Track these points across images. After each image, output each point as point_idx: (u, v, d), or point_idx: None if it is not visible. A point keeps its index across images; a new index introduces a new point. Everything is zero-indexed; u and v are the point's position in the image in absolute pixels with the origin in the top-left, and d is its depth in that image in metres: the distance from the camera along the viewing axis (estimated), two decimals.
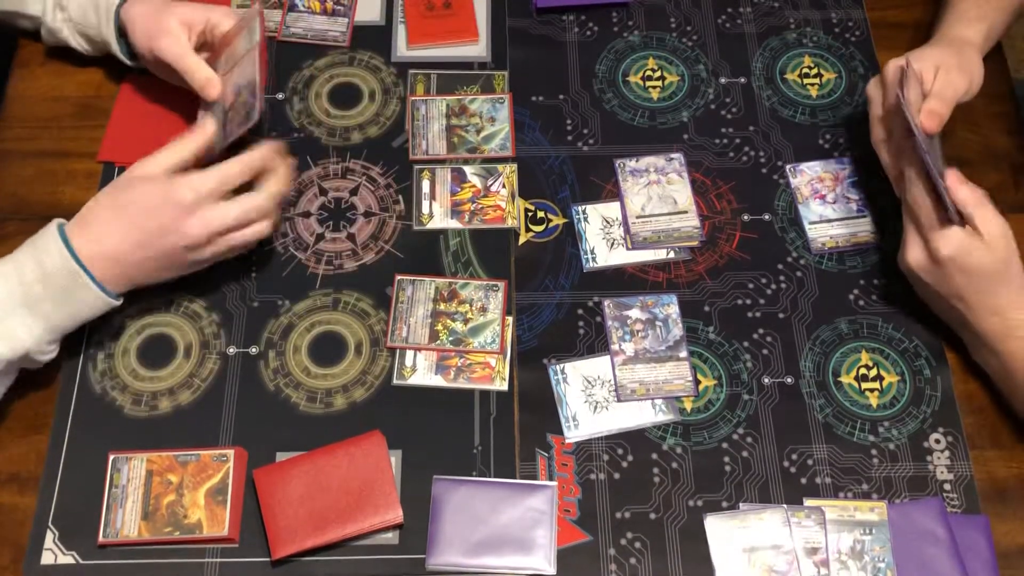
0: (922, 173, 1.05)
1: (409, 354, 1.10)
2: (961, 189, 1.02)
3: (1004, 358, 1.04)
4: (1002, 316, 1.03)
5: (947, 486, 1.04)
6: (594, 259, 1.16)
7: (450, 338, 1.11)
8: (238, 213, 1.04)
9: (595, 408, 1.07)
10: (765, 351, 1.11)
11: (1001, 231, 1.02)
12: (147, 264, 1.03)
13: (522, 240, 1.17)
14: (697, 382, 1.09)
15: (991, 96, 1.27)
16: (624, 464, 1.05)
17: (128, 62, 1.21)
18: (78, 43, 1.22)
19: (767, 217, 1.20)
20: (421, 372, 1.09)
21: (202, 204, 1.02)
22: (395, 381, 1.09)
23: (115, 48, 1.19)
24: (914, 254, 1.06)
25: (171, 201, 1.01)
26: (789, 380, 1.10)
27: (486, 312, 1.12)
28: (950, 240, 1.02)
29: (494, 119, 1.25)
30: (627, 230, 1.18)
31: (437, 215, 1.17)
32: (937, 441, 1.07)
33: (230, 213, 1.03)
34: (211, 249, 1.04)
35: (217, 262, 1.08)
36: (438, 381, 1.09)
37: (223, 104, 1.10)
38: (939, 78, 1.11)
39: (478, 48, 1.31)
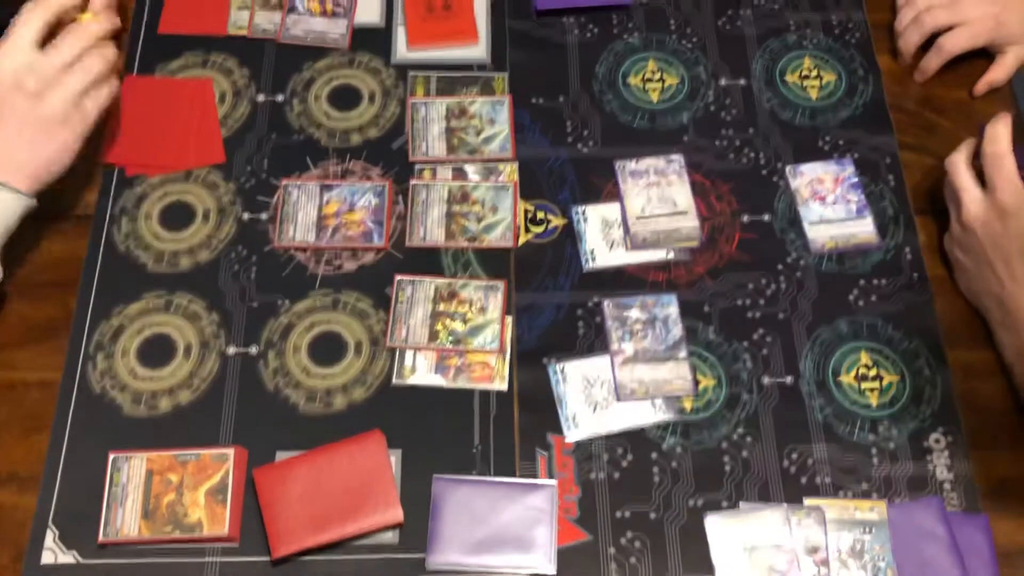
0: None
1: (409, 354, 1.10)
2: None
3: None
4: None
5: (947, 485, 1.04)
6: (594, 260, 1.16)
7: (450, 338, 1.11)
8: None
9: (595, 408, 1.07)
10: (765, 351, 1.11)
11: None
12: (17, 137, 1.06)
13: (522, 241, 1.17)
14: (697, 382, 1.09)
15: (991, 97, 1.28)
16: (624, 464, 1.05)
17: None
18: None
19: (767, 218, 1.20)
20: (421, 372, 1.09)
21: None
22: (395, 381, 1.09)
23: None
24: (974, 207, 1.08)
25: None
26: (789, 380, 1.10)
27: (486, 312, 1.12)
28: (1016, 190, 1.05)
29: (494, 121, 1.25)
30: (627, 231, 1.18)
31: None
32: (937, 441, 1.07)
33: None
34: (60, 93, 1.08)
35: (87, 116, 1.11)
36: (438, 381, 1.09)
37: None
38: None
39: (478, 50, 1.31)
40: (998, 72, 1.27)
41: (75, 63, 1.10)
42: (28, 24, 1.09)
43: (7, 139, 1.06)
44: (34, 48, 1.08)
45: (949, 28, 1.26)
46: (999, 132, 1.07)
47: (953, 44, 1.26)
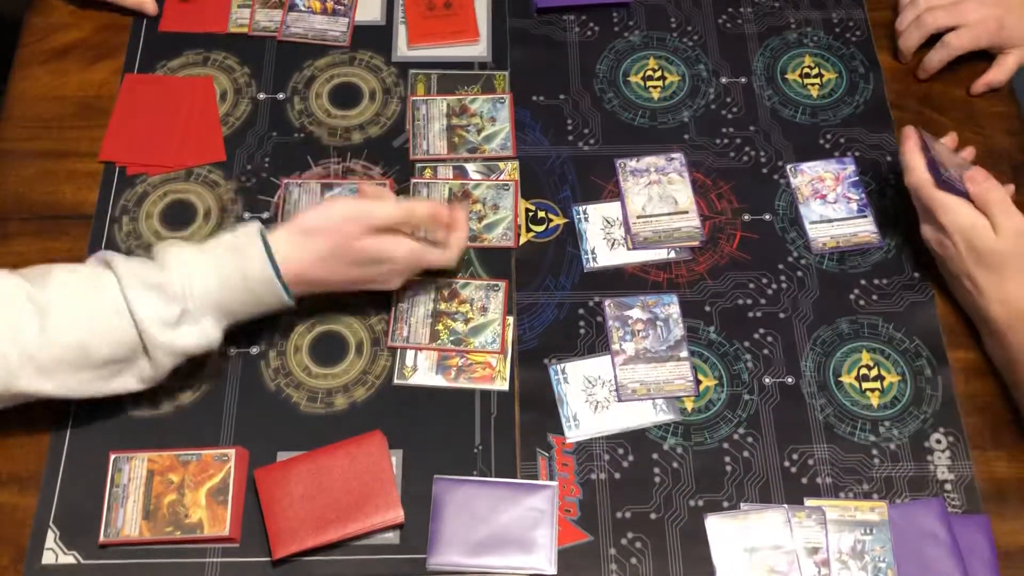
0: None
1: (410, 354, 1.10)
2: (983, 183, 1.06)
3: (1008, 349, 1.05)
4: (1008, 306, 1.04)
5: (948, 486, 1.04)
6: (595, 259, 1.16)
7: (451, 338, 1.11)
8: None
9: (596, 408, 1.07)
10: (766, 351, 1.11)
11: (1018, 228, 1.04)
12: (331, 285, 1.07)
13: (523, 240, 1.17)
14: (698, 382, 1.09)
15: (991, 96, 1.28)
16: (625, 464, 1.05)
17: None
18: None
19: (768, 217, 1.20)
20: (422, 372, 1.09)
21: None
22: (396, 381, 1.09)
23: None
24: (927, 232, 1.10)
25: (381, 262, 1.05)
26: (790, 380, 1.10)
27: (487, 312, 1.12)
28: (955, 213, 1.05)
29: (495, 119, 1.25)
30: (628, 230, 1.18)
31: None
32: (938, 441, 1.07)
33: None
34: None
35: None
36: (439, 381, 1.09)
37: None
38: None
39: (479, 48, 1.31)
40: (998, 73, 1.27)
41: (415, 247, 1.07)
42: (439, 207, 1.08)
43: (316, 253, 1.02)
44: (396, 215, 1.04)
45: (950, 29, 1.26)
46: (909, 161, 1.09)
47: (959, 42, 1.26)
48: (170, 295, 0.97)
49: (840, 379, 1.10)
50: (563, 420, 1.07)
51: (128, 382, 1.00)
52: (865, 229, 1.18)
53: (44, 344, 0.94)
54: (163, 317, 0.97)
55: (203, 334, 1.00)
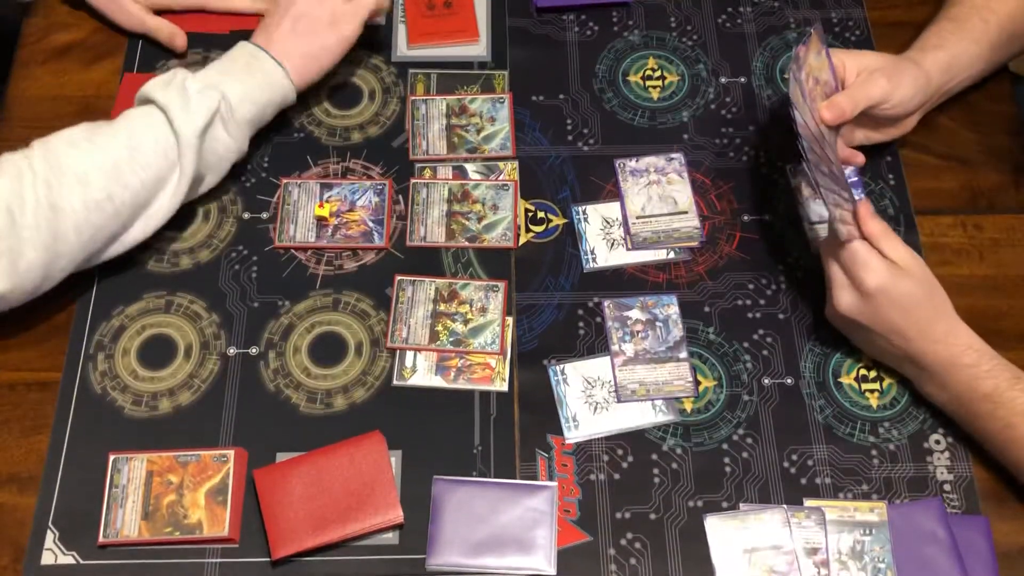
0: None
1: (409, 355, 1.10)
2: (871, 222, 1.01)
3: (953, 389, 1.03)
4: (947, 344, 1.02)
5: (947, 487, 1.05)
6: (594, 259, 1.16)
7: (450, 339, 1.11)
8: None
9: (595, 409, 1.07)
10: (765, 352, 1.11)
11: (912, 255, 1.01)
12: (318, 43, 1.19)
13: (522, 240, 1.17)
14: (697, 383, 1.09)
15: (991, 96, 1.28)
16: (624, 464, 1.05)
17: None
18: None
19: (767, 217, 1.20)
20: (421, 373, 1.09)
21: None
22: (395, 382, 1.09)
23: None
24: (844, 298, 1.04)
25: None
26: (789, 381, 1.10)
27: (486, 313, 1.12)
28: (875, 271, 1.00)
29: (494, 119, 1.25)
30: (627, 230, 1.18)
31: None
32: (937, 442, 1.07)
33: None
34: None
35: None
36: (438, 382, 1.09)
37: None
38: (859, 78, 1.10)
39: (478, 48, 1.31)
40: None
41: None
42: None
43: (288, 35, 1.18)
44: None
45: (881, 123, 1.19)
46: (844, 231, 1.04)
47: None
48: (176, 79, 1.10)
49: (839, 380, 1.10)
50: (562, 421, 1.07)
51: (163, 201, 1.09)
52: None
53: (95, 149, 1.06)
54: (170, 85, 1.09)
55: (214, 98, 1.10)
